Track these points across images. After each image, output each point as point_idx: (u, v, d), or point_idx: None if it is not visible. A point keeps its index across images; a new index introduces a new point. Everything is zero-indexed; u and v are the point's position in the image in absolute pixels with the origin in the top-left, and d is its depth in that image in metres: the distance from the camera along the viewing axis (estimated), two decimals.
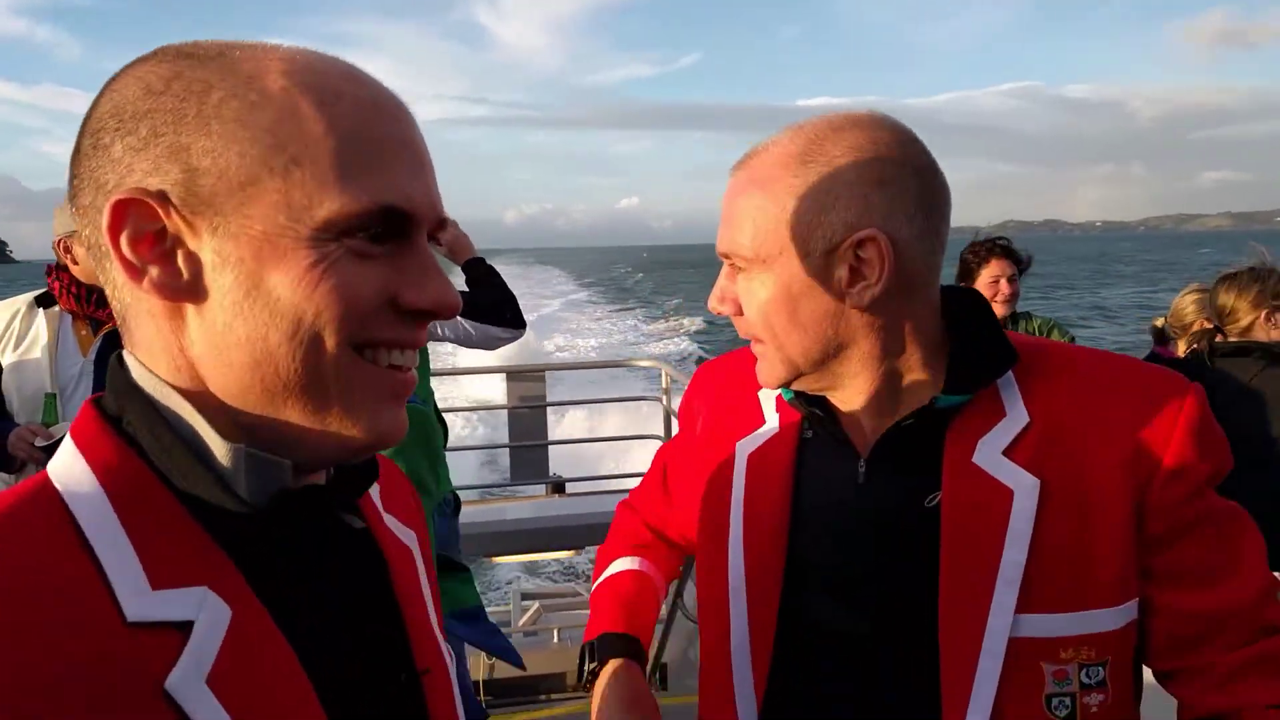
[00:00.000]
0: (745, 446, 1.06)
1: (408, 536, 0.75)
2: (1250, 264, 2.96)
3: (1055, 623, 0.87)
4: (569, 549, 4.97)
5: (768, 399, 1.07)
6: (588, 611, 1.26)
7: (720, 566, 1.04)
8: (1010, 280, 3.41)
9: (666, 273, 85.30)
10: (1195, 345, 3.01)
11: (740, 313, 0.94)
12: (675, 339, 28.80)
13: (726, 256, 0.94)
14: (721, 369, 1.17)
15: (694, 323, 32.06)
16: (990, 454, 0.90)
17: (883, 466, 0.95)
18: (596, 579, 1.28)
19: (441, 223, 0.61)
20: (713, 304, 0.97)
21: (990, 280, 3.41)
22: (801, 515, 1.00)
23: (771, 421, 1.05)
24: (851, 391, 0.95)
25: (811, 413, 0.99)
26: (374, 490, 0.73)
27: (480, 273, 2.83)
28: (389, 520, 0.73)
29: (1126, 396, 0.90)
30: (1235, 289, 2.90)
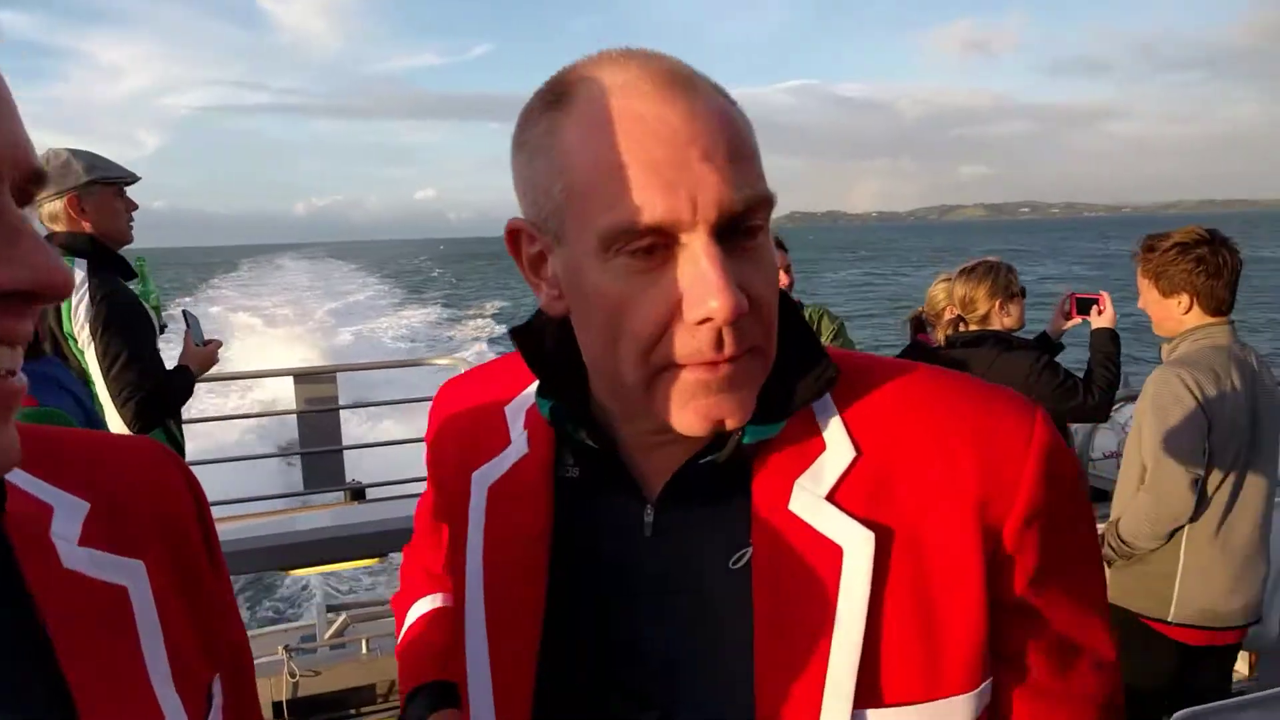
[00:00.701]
0: (487, 484, 0.83)
1: (122, 571, 0.60)
2: (986, 258, 3.31)
3: (903, 718, 0.69)
4: (373, 556, 4.85)
5: (517, 418, 0.83)
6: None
7: (458, 650, 0.83)
8: (787, 270, 3.53)
9: (464, 265, 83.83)
10: (947, 332, 3.34)
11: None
12: (476, 334, 28.38)
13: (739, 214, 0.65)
14: (467, 385, 0.93)
15: (490, 319, 31.40)
16: (810, 499, 0.70)
17: (676, 515, 0.74)
18: (398, 632, 1.08)
19: (37, 176, 0.48)
20: (730, 308, 0.63)
21: None
22: (564, 578, 0.77)
23: (519, 447, 0.81)
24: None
25: (579, 442, 0.76)
26: (67, 517, 0.59)
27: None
28: (82, 557, 0.58)
29: (969, 421, 0.72)
30: (973, 281, 3.25)
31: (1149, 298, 2.57)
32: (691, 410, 0.68)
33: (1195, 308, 2.48)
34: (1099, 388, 3.09)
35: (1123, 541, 2.49)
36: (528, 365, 0.78)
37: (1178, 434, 2.35)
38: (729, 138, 0.64)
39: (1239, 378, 2.41)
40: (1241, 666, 3.47)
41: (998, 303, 3.20)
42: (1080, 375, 3.11)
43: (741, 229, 0.65)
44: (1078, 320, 3.31)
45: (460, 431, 0.89)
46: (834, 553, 0.69)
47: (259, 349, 19.46)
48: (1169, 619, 2.46)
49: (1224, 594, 2.43)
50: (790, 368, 0.73)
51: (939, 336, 3.39)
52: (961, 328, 3.27)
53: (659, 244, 0.64)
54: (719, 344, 0.64)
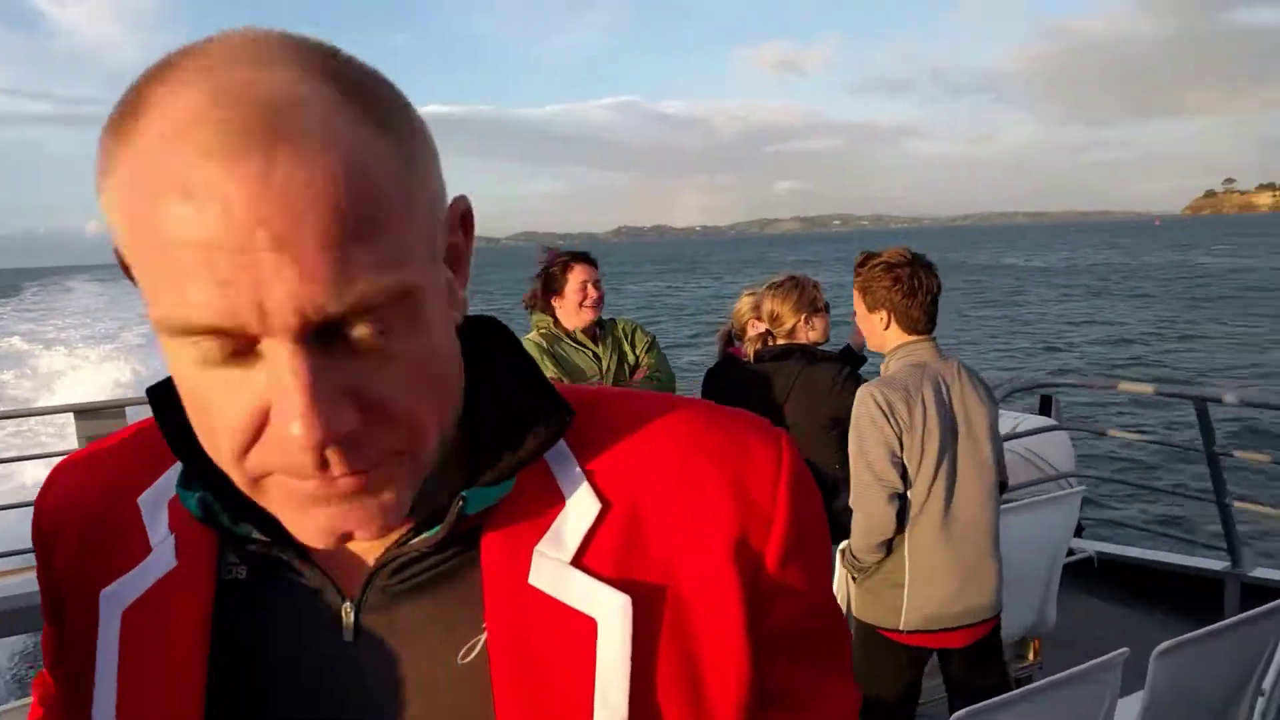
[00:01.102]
0: (121, 607, 0.63)
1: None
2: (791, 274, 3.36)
3: None
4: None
5: (157, 514, 0.65)
6: None
7: None
8: (596, 284, 3.47)
9: None
10: (756, 347, 3.36)
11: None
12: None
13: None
14: (87, 472, 0.71)
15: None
16: (554, 568, 0.60)
17: (384, 611, 0.60)
18: None
19: None
20: (318, 437, 0.50)
21: (579, 285, 3.42)
22: (233, 711, 0.60)
23: (164, 556, 0.63)
24: None
25: (245, 536, 0.60)
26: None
27: None
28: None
29: (716, 452, 0.64)
30: (779, 296, 3.29)
31: (858, 312, 2.65)
32: (310, 522, 0.53)
33: (894, 325, 2.56)
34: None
35: (853, 556, 2.58)
36: (166, 441, 0.61)
37: (872, 452, 2.46)
38: (329, 213, 0.46)
39: (935, 392, 2.48)
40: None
41: (803, 317, 3.27)
42: None
43: (356, 328, 0.48)
44: None
45: (80, 538, 0.67)
46: (587, 627, 0.59)
47: (36, 383, 17.56)
48: (900, 628, 2.55)
49: (951, 598, 2.52)
50: (516, 415, 0.61)
51: (747, 350, 3.42)
52: (770, 342, 3.31)
53: (232, 342, 0.48)
54: (323, 463, 0.49)
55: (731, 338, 3.58)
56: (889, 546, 2.52)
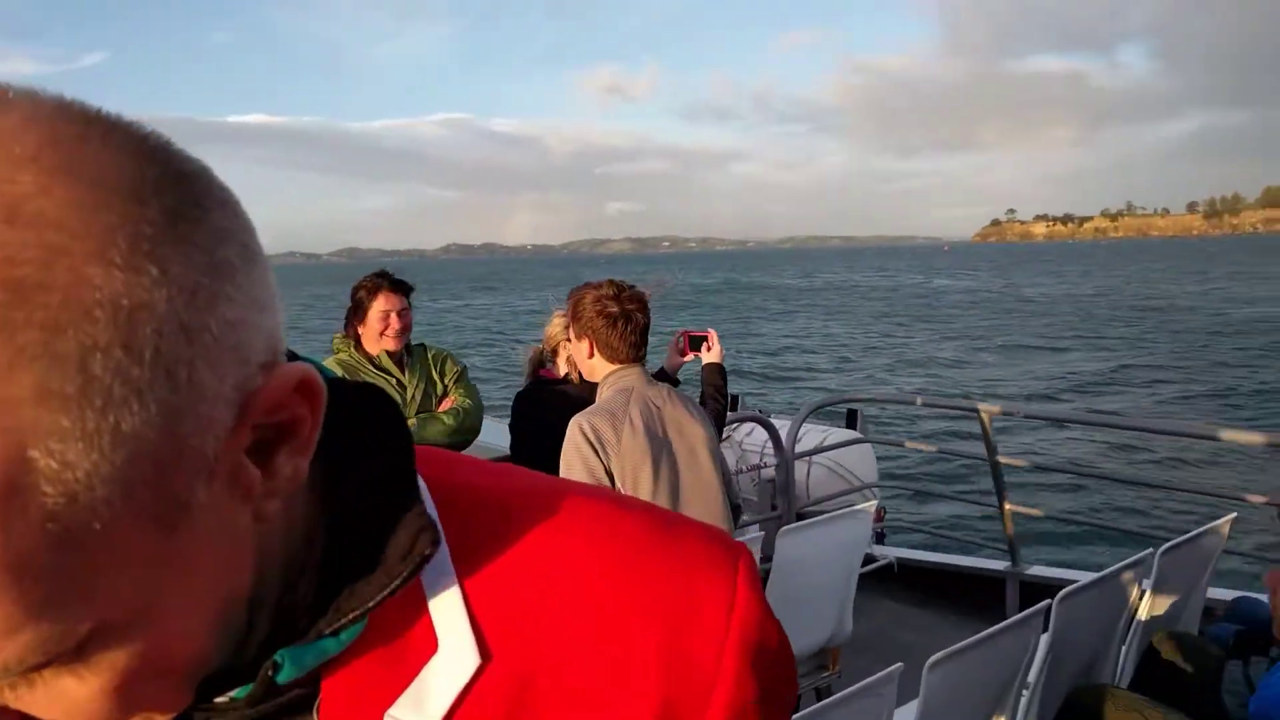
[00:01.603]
0: None
1: None
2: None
3: None
4: None
5: None
6: None
7: None
8: (400, 314, 3.37)
9: None
10: (570, 369, 3.32)
11: None
12: None
13: None
14: None
15: None
16: None
17: None
18: None
19: None
20: None
21: (380, 315, 3.33)
22: None
23: None
24: None
25: None
26: None
27: None
28: None
29: (650, 586, 0.49)
30: None
31: (573, 337, 2.68)
32: None
33: (598, 354, 2.59)
34: (710, 418, 3.24)
35: None
36: None
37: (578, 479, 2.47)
38: None
39: (643, 415, 2.48)
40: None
41: None
42: None
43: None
44: (691, 357, 3.46)
45: None
46: None
47: None
48: None
49: None
50: (365, 533, 0.46)
51: (561, 372, 3.38)
52: None
53: None
54: None
55: (543, 359, 3.53)
56: None
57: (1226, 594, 3.30)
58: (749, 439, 6.75)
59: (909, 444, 6.23)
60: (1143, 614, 2.62)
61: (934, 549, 5.94)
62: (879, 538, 6.41)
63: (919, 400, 6.31)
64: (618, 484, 2.41)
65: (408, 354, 3.46)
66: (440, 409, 3.44)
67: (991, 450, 4.69)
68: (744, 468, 6.34)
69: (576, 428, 2.43)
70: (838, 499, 5.50)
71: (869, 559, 5.30)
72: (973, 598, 4.94)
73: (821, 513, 3.95)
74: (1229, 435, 4.08)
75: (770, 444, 5.17)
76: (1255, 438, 4.00)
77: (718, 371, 3.35)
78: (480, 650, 0.46)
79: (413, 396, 3.39)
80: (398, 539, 0.45)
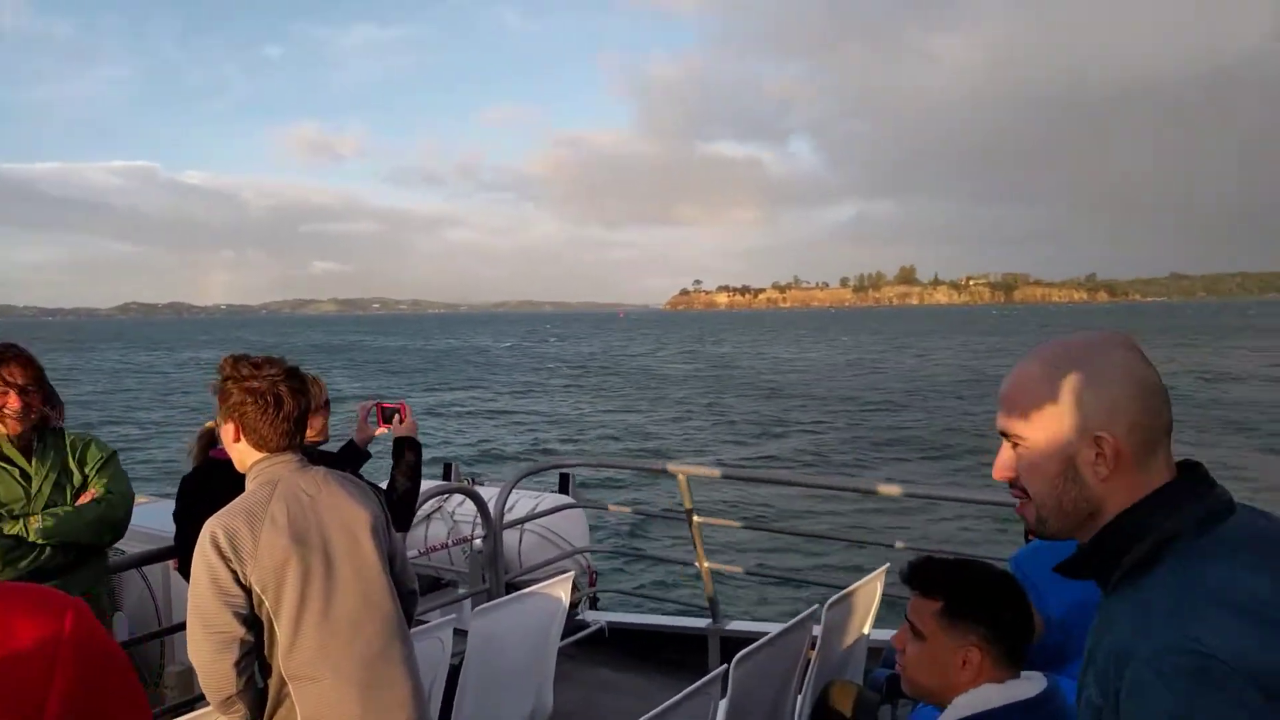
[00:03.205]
0: None
1: None
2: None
3: None
4: None
5: None
6: None
7: None
8: (22, 391, 2.91)
9: None
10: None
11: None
12: None
13: None
14: None
15: None
16: None
17: None
18: None
19: None
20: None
21: None
22: None
23: None
24: None
25: None
26: None
27: None
28: None
29: None
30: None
31: (218, 418, 2.33)
32: None
33: (244, 440, 2.27)
34: (399, 497, 3.10)
35: None
36: None
37: (203, 596, 2.11)
38: None
39: (289, 509, 2.19)
40: None
41: None
42: (384, 485, 3.07)
43: None
44: (385, 429, 3.31)
45: None
46: None
47: None
48: None
49: None
50: None
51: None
52: None
53: None
54: None
55: (215, 438, 3.19)
56: (266, 697, 2.19)
57: (888, 634, 3.66)
58: (460, 510, 6.57)
59: (613, 507, 6.39)
60: (814, 665, 2.82)
61: (644, 609, 6.08)
62: (592, 602, 6.47)
63: (623, 462, 6.50)
64: (257, 589, 2.12)
65: (39, 440, 3.02)
66: (79, 502, 3.03)
67: (690, 510, 4.90)
68: (452, 541, 6.15)
69: (208, 534, 2.12)
70: (550, 566, 5.48)
71: (580, 625, 5.32)
72: (682, 657, 5.10)
73: (534, 581, 3.90)
74: (884, 489, 4.57)
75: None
76: (895, 490, 4.54)
77: (409, 446, 3.22)
78: None
79: (39, 489, 2.97)
80: None
